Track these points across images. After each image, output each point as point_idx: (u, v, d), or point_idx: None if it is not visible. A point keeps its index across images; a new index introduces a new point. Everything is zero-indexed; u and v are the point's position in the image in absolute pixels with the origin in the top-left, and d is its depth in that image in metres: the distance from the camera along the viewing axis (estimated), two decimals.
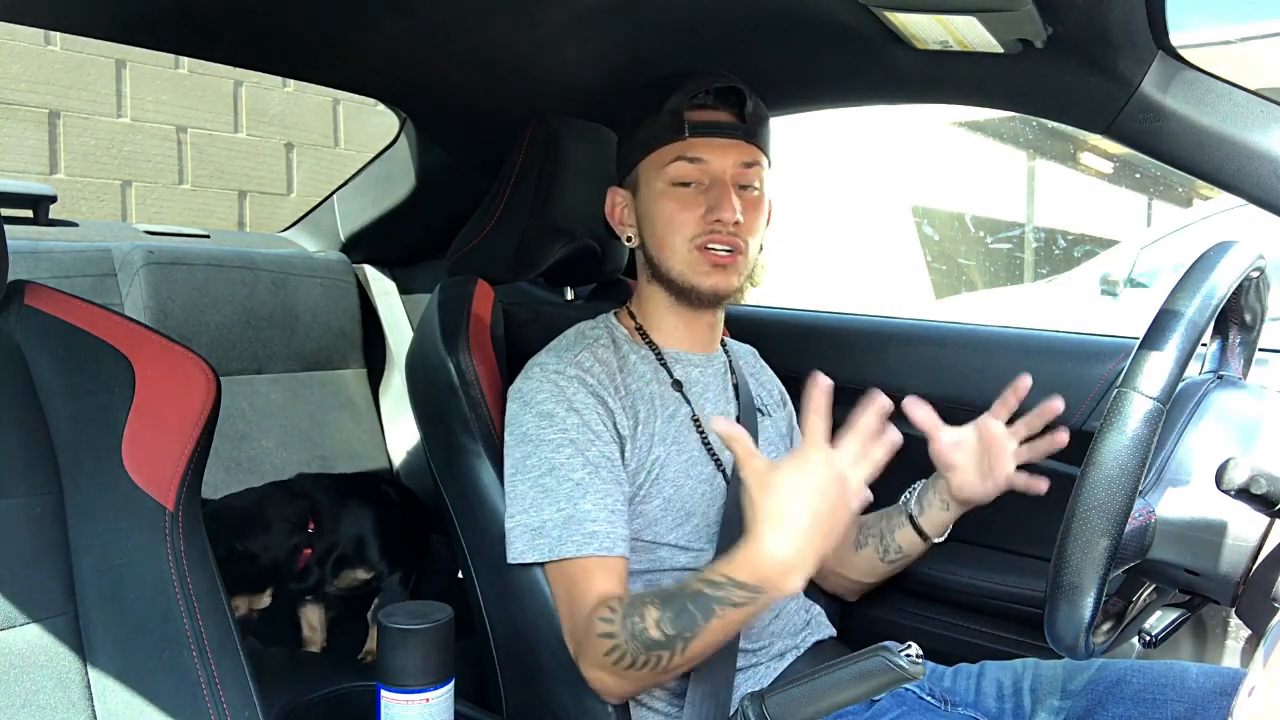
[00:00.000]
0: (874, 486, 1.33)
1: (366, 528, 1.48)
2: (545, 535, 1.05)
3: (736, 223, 1.11)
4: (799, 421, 1.31)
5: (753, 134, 1.14)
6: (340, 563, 1.46)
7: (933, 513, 1.20)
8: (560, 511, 1.04)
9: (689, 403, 1.16)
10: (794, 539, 0.90)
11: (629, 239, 1.20)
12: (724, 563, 0.94)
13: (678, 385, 1.17)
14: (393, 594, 1.50)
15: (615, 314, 1.23)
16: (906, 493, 1.23)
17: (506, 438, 1.11)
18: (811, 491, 0.90)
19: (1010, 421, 1.15)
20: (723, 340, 1.27)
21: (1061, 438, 1.13)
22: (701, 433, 1.16)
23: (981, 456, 1.15)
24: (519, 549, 1.07)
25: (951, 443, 1.15)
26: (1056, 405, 1.13)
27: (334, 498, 1.48)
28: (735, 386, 1.23)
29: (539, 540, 1.05)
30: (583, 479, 1.05)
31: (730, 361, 1.26)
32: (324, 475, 1.57)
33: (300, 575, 1.42)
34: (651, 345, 1.19)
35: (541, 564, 1.06)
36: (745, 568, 0.92)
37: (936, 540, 1.22)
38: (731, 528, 1.11)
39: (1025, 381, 1.14)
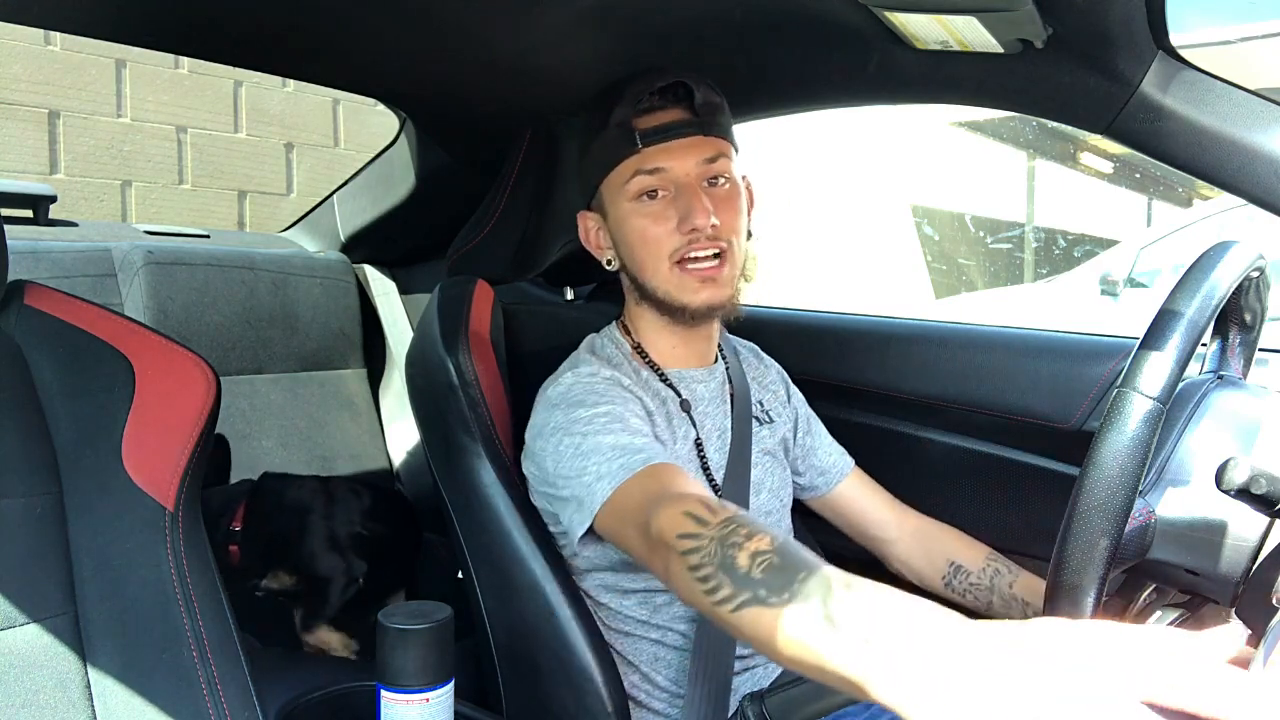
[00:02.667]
0: (881, 486, 1.34)
1: (290, 533, 1.46)
2: (592, 488, 0.93)
3: (713, 226, 1.05)
4: None
5: (709, 126, 1.08)
6: (268, 563, 1.45)
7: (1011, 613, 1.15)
8: (606, 462, 0.94)
9: (694, 425, 1.13)
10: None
11: (609, 262, 1.15)
12: (873, 605, 0.59)
13: (686, 406, 1.13)
14: (316, 604, 1.47)
15: (616, 328, 1.19)
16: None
17: (534, 445, 1.05)
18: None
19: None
20: (719, 344, 1.24)
21: None
22: (702, 456, 1.12)
23: None
24: (576, 521, 0.96)
25: None
26: None
27: (266, 499, 1.47)
28: (732, 396, 1.19)
29: (598, 484, 0.93)
30: (619, 442, 0.96)
31: (728, 368, 1.22)
32: (288, 476, 1.54)
33: (239, 572, 1.42)
34: (652, 366, 1.15)
35: (594, 529, 0.94)
36: (880, 644, 0.56)
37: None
38: None
39: None
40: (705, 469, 1.12)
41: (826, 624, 0.60)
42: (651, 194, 1.08)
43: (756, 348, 1.35)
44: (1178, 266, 0.87)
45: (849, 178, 6.62)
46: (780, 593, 0.65)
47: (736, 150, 1.14)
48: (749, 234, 1.14)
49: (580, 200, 1.22)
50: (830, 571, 0.65)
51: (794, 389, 1.33)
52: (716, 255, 1.08)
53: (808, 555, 0.68)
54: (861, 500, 1.29)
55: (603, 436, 0.97)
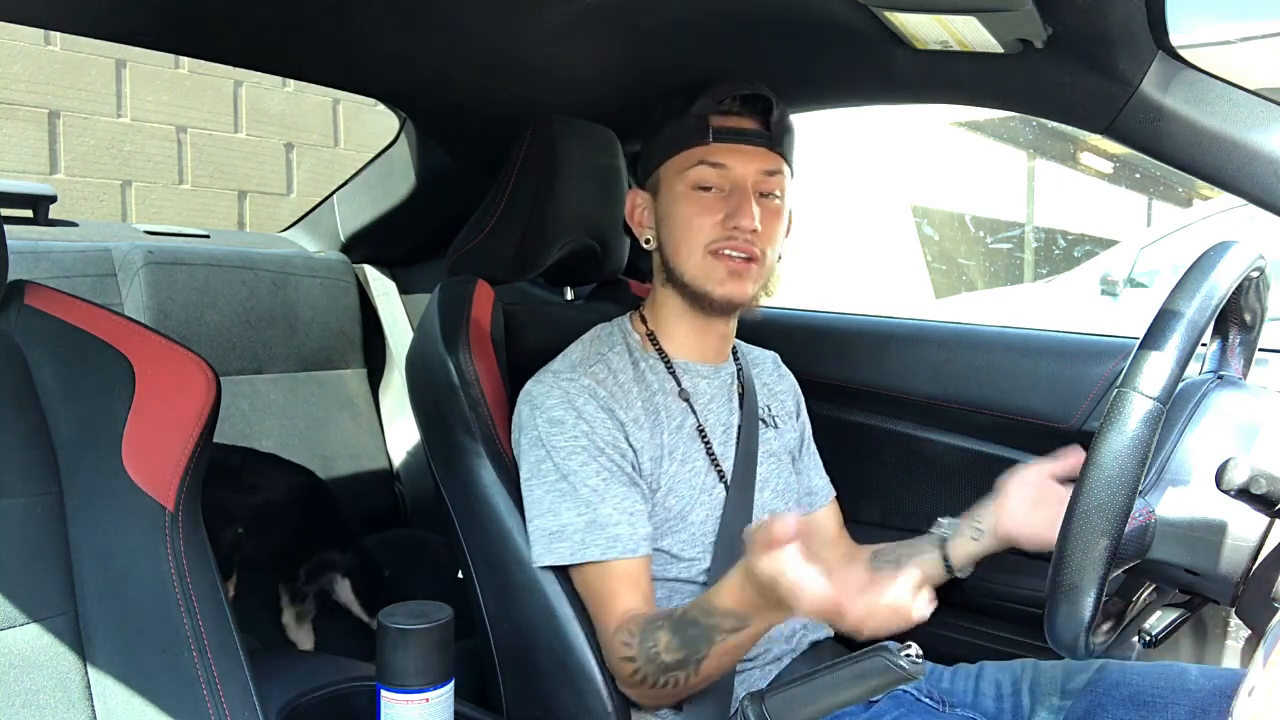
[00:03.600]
0: (881, 485, 1.34)
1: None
2: (565, 539, 1.05)
3: (754, 230, 1.10)
4: None
5: (777, 142, 1.14)
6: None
7: (960, 542, 1.15)
8: (580, 516, 1.05)
9: (695, 413, 1.16)
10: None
11: (647, 241, 1.20)
12: (713, 590, 0.95)
13: (684, 395, 1.16)
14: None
15: (630, 317, 1.22)
16: (936, 523, 1.19)
17: (520, 440, 1.11)
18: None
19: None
20: (735, 347, 1.26)
21: None
22: (706, 442, 1.15)
23: (1040, 495, 1.10)
24: (538, 551, 1.07)
25: (1025, 472, 1.11)
26: None
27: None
28: (741, 395, 1.22)
29: (558, 544, 1.05)
30: (598, 485, 1.05)
31: (741, 370, 1.24)
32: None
33: None
34: (661, 353, 1.18)
35: (564, 567, 1.07)
36: (731, 597, 0.92)
37: (959, 575, 1.16)
38: (728, 536, 1.11)
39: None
40: (711, 457, 1.15)
41: (717, 631, 0.94)
42: (706, 188, 1.12)
43: (778, 358, 1.36)
44: (1178, 266, 0.87)
45: (849, 177, 6.62)
46: (697, 650, 0.96)
47: (793, 176, 1.18)
48: (778, 256, 1.18)
49: (583, 199, 1.23)
50: (688, 607, 0.98)
51: (804, 409, 1.35)
52: (748, 259, 1.12)
53: (679, 611, 0.98)
54: (834, 530, 1.32)
55: (575, 482, 1.06)
